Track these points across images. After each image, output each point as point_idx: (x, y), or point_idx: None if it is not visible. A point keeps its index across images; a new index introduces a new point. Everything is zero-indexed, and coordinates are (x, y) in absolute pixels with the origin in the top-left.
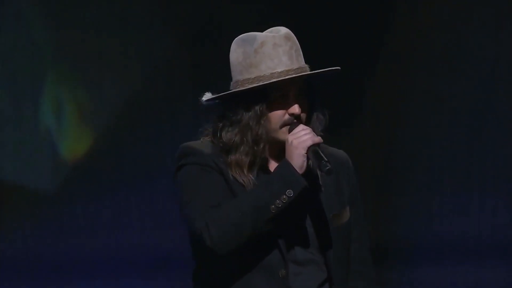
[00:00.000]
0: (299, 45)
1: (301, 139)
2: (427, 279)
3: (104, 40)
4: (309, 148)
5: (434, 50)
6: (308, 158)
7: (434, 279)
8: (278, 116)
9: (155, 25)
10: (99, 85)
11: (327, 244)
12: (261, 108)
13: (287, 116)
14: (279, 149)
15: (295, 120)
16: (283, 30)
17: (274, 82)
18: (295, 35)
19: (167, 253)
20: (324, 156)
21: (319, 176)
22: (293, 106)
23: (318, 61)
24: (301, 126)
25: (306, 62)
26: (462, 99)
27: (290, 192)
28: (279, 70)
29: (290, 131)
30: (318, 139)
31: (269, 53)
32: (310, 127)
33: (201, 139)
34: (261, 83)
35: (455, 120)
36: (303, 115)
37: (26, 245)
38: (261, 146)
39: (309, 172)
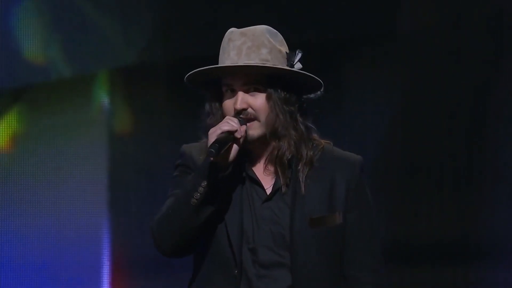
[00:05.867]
0: (262, 42)
1: (213, 130)
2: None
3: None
4: (218, 136)
5: (434, 49)
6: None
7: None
8: (227, 110)
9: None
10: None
11: (299, 248)
12: (212, 104)
13: (234, 111)
14: (260, 148)
15: (241, 116)
16: (254, 27)
17: (211, 74)
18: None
19: None
20: (218, 143)
21: (302, 179)
22: (236, 101)
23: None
24: (226, 118)
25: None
26: (462, 98)
27: (204, 183)
28: (227, 64)
29: None
30: (228, 127)
31: (223, 47)
32: (259, 122)
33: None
34: (188, 74)
35: (455, 120)
36: (252, 111)
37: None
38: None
39: (294, 176)
